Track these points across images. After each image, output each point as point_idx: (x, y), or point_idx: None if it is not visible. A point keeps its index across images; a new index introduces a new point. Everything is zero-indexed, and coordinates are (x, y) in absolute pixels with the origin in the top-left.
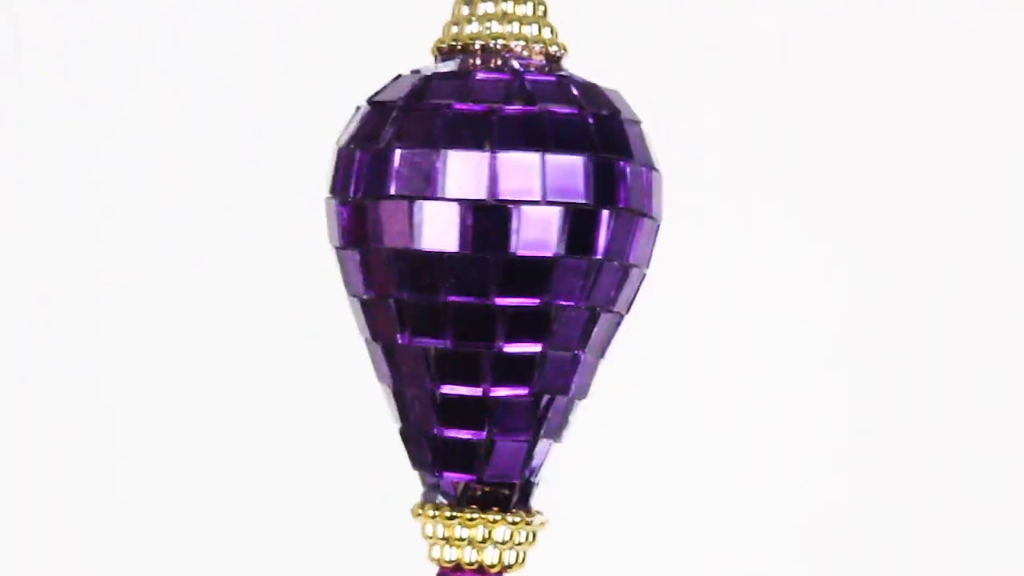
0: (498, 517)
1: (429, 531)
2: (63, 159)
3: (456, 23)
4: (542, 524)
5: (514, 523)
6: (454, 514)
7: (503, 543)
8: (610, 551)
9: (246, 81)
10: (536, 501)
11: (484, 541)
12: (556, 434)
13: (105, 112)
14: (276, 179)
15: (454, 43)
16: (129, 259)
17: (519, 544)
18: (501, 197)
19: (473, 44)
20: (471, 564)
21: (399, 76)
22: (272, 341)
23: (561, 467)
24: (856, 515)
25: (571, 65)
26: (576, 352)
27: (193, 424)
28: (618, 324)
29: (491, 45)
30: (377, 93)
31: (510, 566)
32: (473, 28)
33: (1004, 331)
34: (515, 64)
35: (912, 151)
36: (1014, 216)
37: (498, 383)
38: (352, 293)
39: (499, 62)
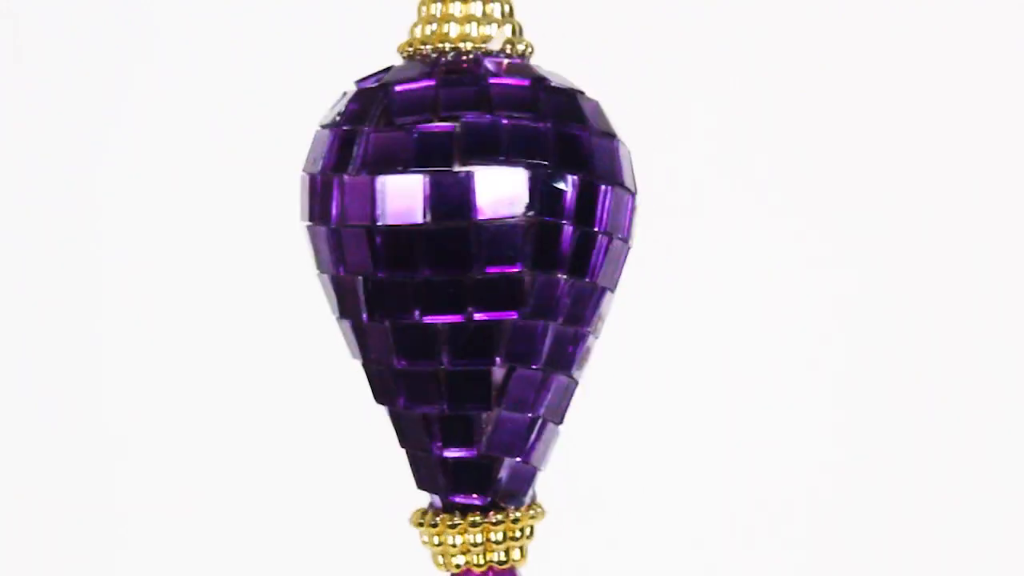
0: (478, 519)
1: (424, 539)
2: (63, 159)
3: (424, 23)
4: (534, 517)
5: (497, 523)
6: (436, 522)
7: (497, 543)
8: (610, 544)
9: (228, 82)
10: (537, 495)
11: (477, 545)
12: (553, 415)
13: (104, 113)
14: (268, 174)
15: (421, 46)
16: (132, 261)
17: (512, 541)
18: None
19: (440, 46)
20: (459, 568)
21: (344, 93)
22: (273, 347)
23: (560, 460)
24: (857, 510)
25: (539, 63)
26: (546, 323)
27: (193, 431)
28: (599, 298)
29: (454, 47)
30: (335, 114)
31: (503, 562)
32: (435, 28)
33: (1005, 331)
34: (483, 63)
35: (908, 142)
36: (1014, 215)
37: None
38: (321, 270)
39: (464, 62)
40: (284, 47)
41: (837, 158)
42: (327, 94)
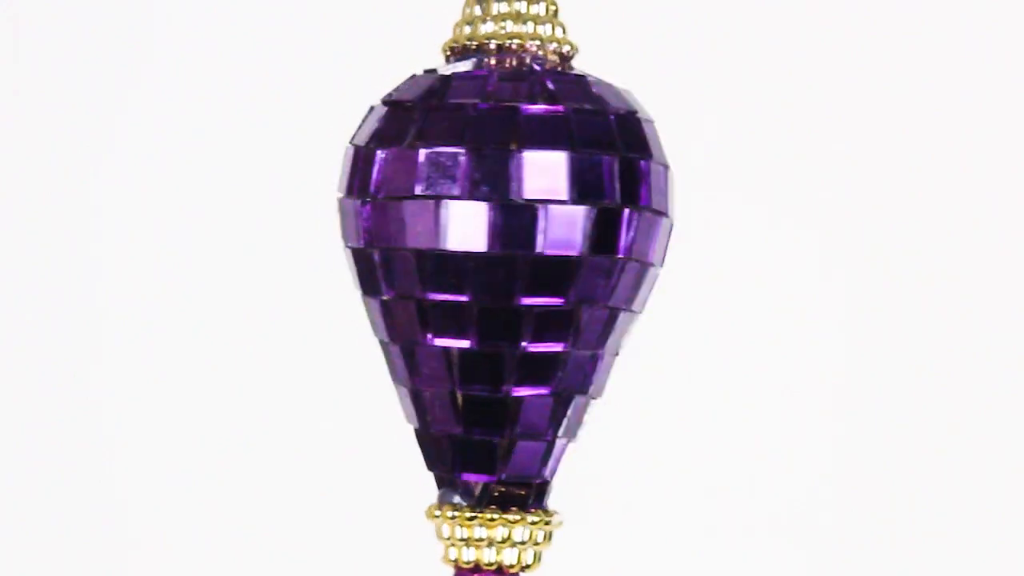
0: (518, 517)
1: (447, 532)
2: (64, 159)
3: (467, 23)
4: (559, 524)
5: (533, 523)
6: (474, 515)
7: (522, 543)
8: (623, 551)
9: (253, 82)
10: (551, 501)
11: (504, 541)
12: (573, 433)
13: (104, 113)
14: (285, 180)
15: (467, 43)
16: (133, 260)
17: (536, 544)
18: (527, 197)
19: (487, 44)
20: (490, 565)
21: (413, 76)
22: (282, 341)
23: (575, 467)
24: (866, 514)
25: (581, 64)
26: (596, 351)
27: (201, 426)
28: (632, 323)
29: (504, 45)
30: (392, 93)
31: (528, 566)
32: (485, 28)
33: (1007, 333)
34: (532, 64)
35: (923, 151)
36: (1016, 217)
37: (521, 383)
38: (370, 294)
39: (514, 62)
40: (306, 46)
41: (856, 173)
42: (352, 104)
